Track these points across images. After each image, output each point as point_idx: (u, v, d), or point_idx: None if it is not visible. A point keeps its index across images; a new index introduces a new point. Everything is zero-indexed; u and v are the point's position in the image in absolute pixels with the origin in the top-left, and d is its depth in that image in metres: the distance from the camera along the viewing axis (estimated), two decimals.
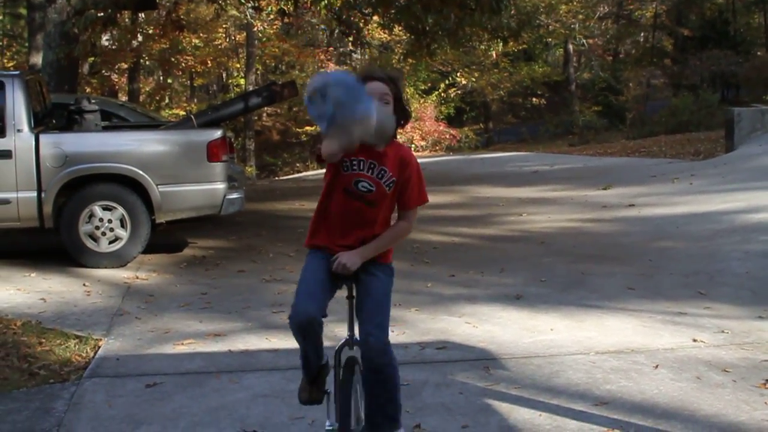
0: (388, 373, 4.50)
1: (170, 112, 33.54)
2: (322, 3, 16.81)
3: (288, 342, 6.99)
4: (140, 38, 30.45)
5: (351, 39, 21.77)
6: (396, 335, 7.22)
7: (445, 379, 6.17)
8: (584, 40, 40.72)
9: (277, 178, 32.76)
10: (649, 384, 6.00)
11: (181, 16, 21.99)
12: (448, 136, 34.73)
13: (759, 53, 42.37)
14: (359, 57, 40.04)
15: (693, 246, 10.88)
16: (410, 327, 7.57)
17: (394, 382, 4.54)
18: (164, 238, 11.56)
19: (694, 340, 7.05)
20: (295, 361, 6.43)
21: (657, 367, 6.37)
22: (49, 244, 11.05)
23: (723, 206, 13.00)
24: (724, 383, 6.01)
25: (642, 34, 48.37)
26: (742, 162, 17.34)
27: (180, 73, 36.96)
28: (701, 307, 8.13)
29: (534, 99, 43.13)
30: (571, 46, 41.68)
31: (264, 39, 35.47)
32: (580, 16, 38.42)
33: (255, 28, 33.13)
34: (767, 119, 20.51)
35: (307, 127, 36.93)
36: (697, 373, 6.23)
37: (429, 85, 37.20)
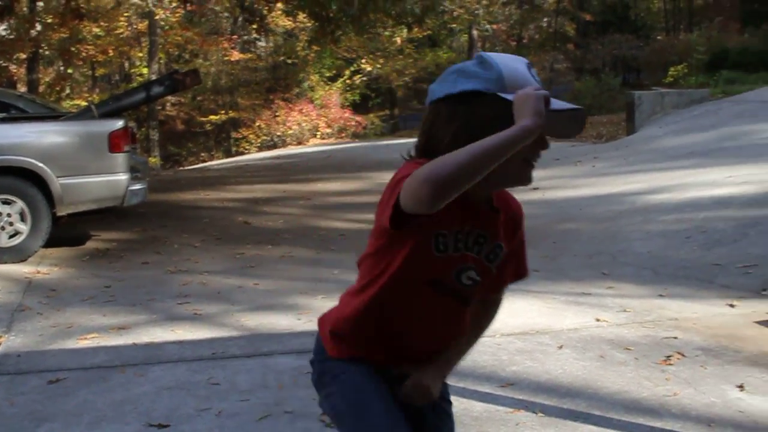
0: None
1: (71, 103, 32.98)
2: None
3: (194, 333, 6.96)
4: (39, 27, 29.80)
5: (255, 26, 21.62)
6: (302, 323, 7.24)
7: None
8: (488, 26, 40.98)
9: (181, 168, 32.46)
10: (553, 364, 6.06)
11: (81, 5, 21.67)
12: (353, 123, 34.77)
13: (659, 37, 43.15)
14: (264, 44, 39.81)
15: (596, 227, 11.06)
16: (316, 314, 7.39)
17: None
18: (66, 231, 11.38)
19: (597, 320, 7.15)
20: (201, 352, 6.41)
21: (561, 347, 6.44)
22: None
23: (625, 188, 13.22)
24: (627, 361, 6.10)
25: (545, 20, 48.89)
26: (642, 144, 17.66)
27: (81, 62, 36.31)
28: (604, 287, 8.26)
29: None
30: (475, 32, 41.91)
31: (167, 27, 35.05)
32: (484, 2, 38.68)
33: (157, 17, 32.71)
34: (666, 102, 20.92)
35: (212, 116, 36.69)
36: (601, 351, 6.32)
37: (334, 72, 37.19)
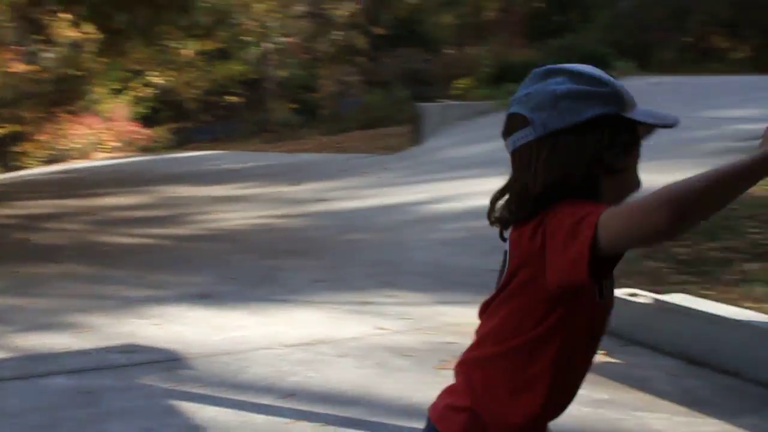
0: None
1: None
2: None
3: None
4: None
5: (39, 37, 20.89)
6: (79, 342, 7.02)
7: (129, 383, 5.99)
8: (281, 39, 41.01)
9: None
10: (334, 373, 6.07)
11: None
12: (142, 136, 34.13)
13: (448, 51, 44.12)
14: (49, 56, 38.57)
15: (380, 237, 11.18)
16: (95, 332, 7.34)
17: None
18: None
19: (378, 328, 7.21)
20: None
21: (341, 356, 6.47)
22: None
23: (409, 198, 13.43)
24: (405, 367, 6.18)
25: (337, 33, 49.28)
26: (428, 155, 18.01)
27: None
28: (386, 295, 8.35)
29: (230, 97, 42.96)
30: (267, 45, 41.87)
31: None
32: (277, 15, 38.66)
33: None
34: (452, 114, 21.42)
35: None
36: (380, 359, 6.38)
37: (123, 84, 36.39)
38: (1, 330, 7.49)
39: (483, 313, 2.39)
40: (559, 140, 2.13)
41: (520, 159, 2.26)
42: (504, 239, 2.34)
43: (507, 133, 2.33)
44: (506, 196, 2.30)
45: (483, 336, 2.35)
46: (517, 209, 2.20)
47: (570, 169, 2.11)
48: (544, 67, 2.26)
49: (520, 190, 2.20)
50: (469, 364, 2.44)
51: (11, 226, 14.08)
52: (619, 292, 6.99)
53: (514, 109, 2.28)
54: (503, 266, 2.32)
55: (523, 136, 2.24)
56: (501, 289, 2.32)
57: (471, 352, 2.41)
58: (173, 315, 7.85)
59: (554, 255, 2.01)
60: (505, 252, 2.29)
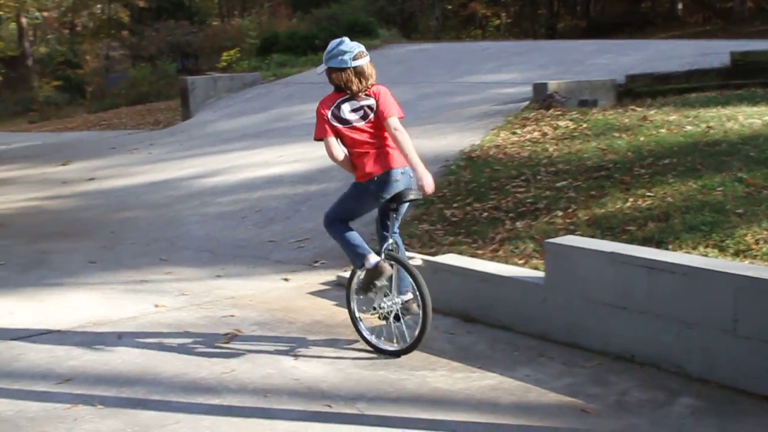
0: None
1: None
2: None
3: None
4: None
5: None
6: None
7: None
8: (38, 14, 39.61)
9: None
10: (112, 355, 5.99)
11: None
12: None
13: (214, 23, 43.73)
14: None
15: (153, 214, 11.05)
16: None
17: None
18: None
19: (156, 306, 7.17)
20: None
21: (120, 337, 6.39)
22: None
23: (181, 173, 13.31)
24: (185, 344, 6.16)
25: (98, 6, 47.94)
26: (197, 129, 17.85)
27: None
28: (163, 272, 8.29)
29: None
30: (24, 20, 40.35)
31: None
32: None
33: None
34: (220, 86, 21.25)
35: None
36: (159, 337, 6.33)
37: None
38: None
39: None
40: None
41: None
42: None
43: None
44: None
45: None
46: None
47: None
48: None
49: None
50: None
51: None
52: None
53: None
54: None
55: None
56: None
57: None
58: None
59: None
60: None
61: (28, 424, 4.87)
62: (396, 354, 5.77)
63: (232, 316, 6.78)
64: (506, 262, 7.03)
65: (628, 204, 7.99)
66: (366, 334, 5.99)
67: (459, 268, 6.61)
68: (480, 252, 7.57)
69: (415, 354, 5.73)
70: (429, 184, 5.61)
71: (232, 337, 6.26)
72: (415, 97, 16.05)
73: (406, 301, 5.84)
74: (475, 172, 9.95)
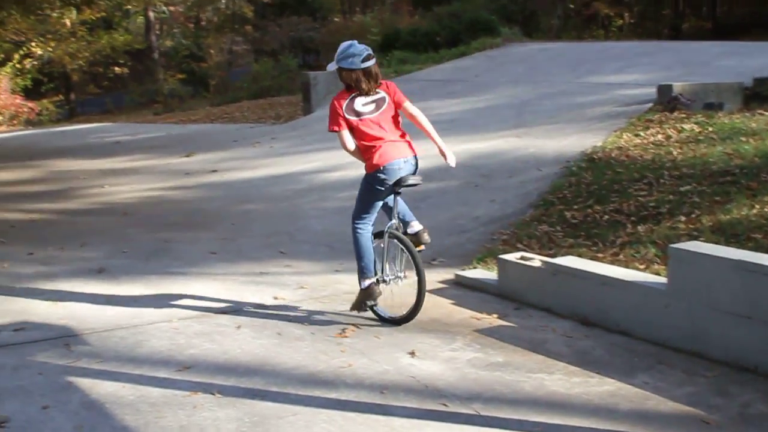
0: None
1: None
2: None
3: None
4: None
5: None
6: None
7: (23, 361, 5.90)
8: (165, 8, 40.46)
9: None
10: (231, 344, 6.07)
11: None
12: (26, 110, 33.31)
13: (336, 19, 44.05)
14: None
15: (274, 207, 11.17)
16: None
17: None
18: None
19: (275, 298, 7.25)
20: None
21: (239, 327, 6.47)
22: None
23: (302, 167, 13.42)
24: (304, 336, 6.21)
25: (223, 1, 48.72)
26: (319, 123, 17.93)
27: None
28: (282, 265, 8.38)
29: (117, 68, 42.22)
30: (152, 14, 41.23)
31: None
32: None
33: None
34: (339, 82, 21.29)
35: None
36: (278, 329, 6.40)
37: (2, 56, 35.45)
38: None
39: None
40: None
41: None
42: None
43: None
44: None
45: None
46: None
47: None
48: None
49: None
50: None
51: None
52: (512, 256, 7.13)
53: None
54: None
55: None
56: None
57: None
58: (66, 290, 7.73)
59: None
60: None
61: (149, 409, 4.97)
62: (397, 322, 6.49)
63: (350, 311, 6.80)
64: (626, 267, 6.91)
65: (755, 211, 7.80)
66: (375, 308, 6.67)
67: (579, 270, 6.52)
68: (600, 255, 7.47)
69: (532, 356, 5.68)
70: (452, 157, 6.79)
71: (349, 332, 6.29)
72: (536, 97, 15.92)
73: (419, 232, 6.89)
74: (597, 174, 9.82)
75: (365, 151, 6.51)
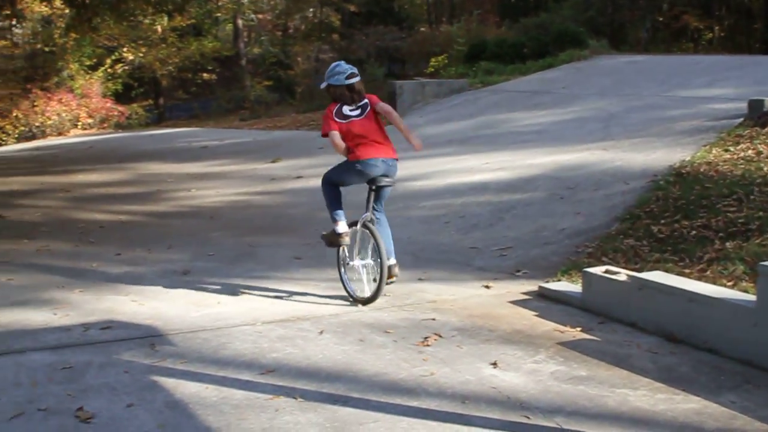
0: None
1: None
2: None
3: None
4: None
5: (7, 12, 20.71)
6: (58, 318, 7.03)
7: (109, 359, 5.99)
8: (253, 16, 40.88)
9: None
10: (314, 349, 6.09)
11: None
12: (116, 113, 33.90)
13: (422, 29, 44.07)
14: (20, 31, 38.25)
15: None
16: (74, 308, 7.33)
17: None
18: None
19: (358, 305, 7.25)
20: None
21: (322, 332, 6.49)
22: None
23: None
24: (386, 344, 6.21)
25: (310, 10, 49.06)
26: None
27: None
28: None
29: (205, 74, 42.76)
30: (240, 21, 41.69)
31: None
32: None
33: None
34: (427, 91, 21.38)
35: None
36: (361, 336, 6.41)
37: (95, 60, 36.12)
38: None
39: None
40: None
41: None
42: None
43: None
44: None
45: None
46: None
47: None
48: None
49: None
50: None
51: None
52: (597, 270, 7.06)
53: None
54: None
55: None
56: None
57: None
58: (152, 291, 7.86)
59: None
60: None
61: (232, 411, 5.01)
62: (362, 302, 7.34)
63: (432, 319, 6.79)
64: (714, 283, 6.79)
65: None
66: (347, 285, 7.60)
67: (665, 286, 6.42)
68: (687, 271, 7.35)
69: (616, 371, 5.61)
70: (417, 140, 7.88)
71: (432, 341, 6.27)
72: (623, 110, 15.76)
73: (391, 266, 7.46)
74: (685, 189, 9.67)
75: (351, 148, 7.45)
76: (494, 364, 5.74)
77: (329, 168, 7.94)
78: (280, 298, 7.56)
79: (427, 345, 6.18)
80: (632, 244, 8.39)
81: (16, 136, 33.41)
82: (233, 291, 7.82)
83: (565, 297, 7.34)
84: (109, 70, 35.97)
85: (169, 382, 5.51)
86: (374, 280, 7.40)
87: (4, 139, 33.61)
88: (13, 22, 33.00)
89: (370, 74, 32.89)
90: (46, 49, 35.94)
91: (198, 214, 11.94)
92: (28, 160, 22.14)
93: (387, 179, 7.66)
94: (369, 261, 7.59)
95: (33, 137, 32.53)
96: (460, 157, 13.96)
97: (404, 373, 5.59)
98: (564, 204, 10.34)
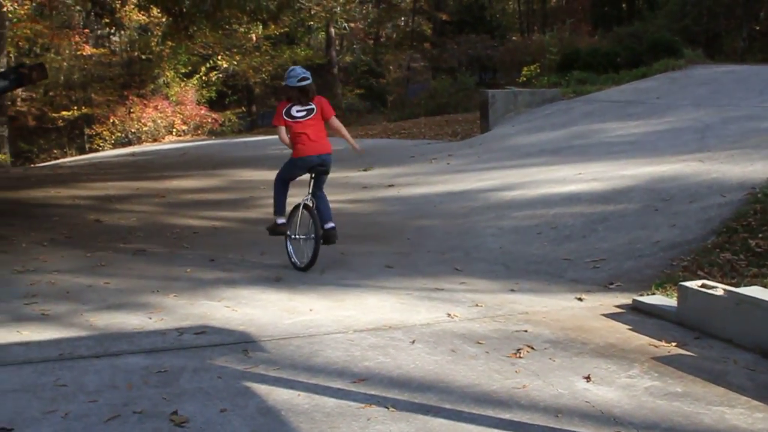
0: None
1: None
2: None
3: (41, 334, 6.75)
4: None
5: (107, 21, 21.11)
6: (153, 322, 7.12)
7: (203, 363, 6.06)
8: (346, 24, 41.06)
9: (32, 165, 31.57)
10: (405, 359, 6.09)
11: None
12: (210, 120, 34.39)
13: (514, 38, 43.92)
14: (118, 39, 39.03)
15: (450, 223, 11.18)
16: (168, 313, 7.42)
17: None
18: None
19: (450, 315, 7.23)
20: (48, 353, 6.23)
21: (414, 342, 6.48)
22: None
23: (478, 184, 13.41)
24: (478, 355, 6.18)
25: (402, 19, 49.25)
26: (496, 142, 17.93)
27: None
28: (457, 282, 8.36)
29: None
30: (332, 30, 41.96)
31: (15, 20, 34.00)
32: (341, 0, 38.70)
33: (5, 8, 31.70)
34: (519, 101, 21.29)
35: (64, 112, 35.74)
36: (452, 346, 6.38)
37: (190, 68, 36.70)
38: (76, 309, 7.60)
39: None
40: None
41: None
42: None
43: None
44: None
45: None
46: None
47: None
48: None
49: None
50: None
51: (83, 208, 14.28)
52: (693, 284, 6.94)
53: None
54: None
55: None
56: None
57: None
58: (245, 297, 7.93)
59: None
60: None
61: (324, 419, 5.02)
62: (303, 268, 9.14)
63: (525, 331, 6.74)
64: None
65: None
66: (291, 255, 9.41)
67: (764, 301, 6.27)
68: None
69: (713, 388, 5.50)
70: (359, 146, 9.87)
71: (524, 353, 6.23)
72: (719, 121, 15.49)
73: (329, 229, 9.26)
74: None
75: (293, 143, 9.26)
76: (587, 378, 5.67)
77: (280, 169, 9.60)
78: (372, 306, 7.57)
79: (520, 357, 6.14)
80: (729, 258, 8.23)
81: (113, 141, 34.11)
82: (325, 298, 7.85)
83: (660, 311, 7.23)
84: (203, 77, 36.53)
85: (261, 389, 5.54)
86: (310, 252, 9.12)
87: (101, 144, 34.33)
88: (112, 31, 33.67)
89: (461, 83, 32.87)
90: (143, 57, 36.65)
91: None
92: (124, 166, 22.55)
93: (322, 168, 9.32)
94: (308, 237, 9.30)
95: (129, 143, 33.17)
96: (553, 167, 13.86)
97: (496, 384, 5.56)
98: (658, 216, 10.18)
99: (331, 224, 9.29)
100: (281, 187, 9.56)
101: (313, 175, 9.35)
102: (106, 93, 36.12)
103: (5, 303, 7.88)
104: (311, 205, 9.32)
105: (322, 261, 9.40)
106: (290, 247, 9.46)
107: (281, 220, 9.50)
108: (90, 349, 6.39)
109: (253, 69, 37.91)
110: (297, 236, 9.43)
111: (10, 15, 32.99)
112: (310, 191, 9.41)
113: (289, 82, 9.24)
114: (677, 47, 26.87)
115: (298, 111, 9.21)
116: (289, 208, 9.55)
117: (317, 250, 9.04)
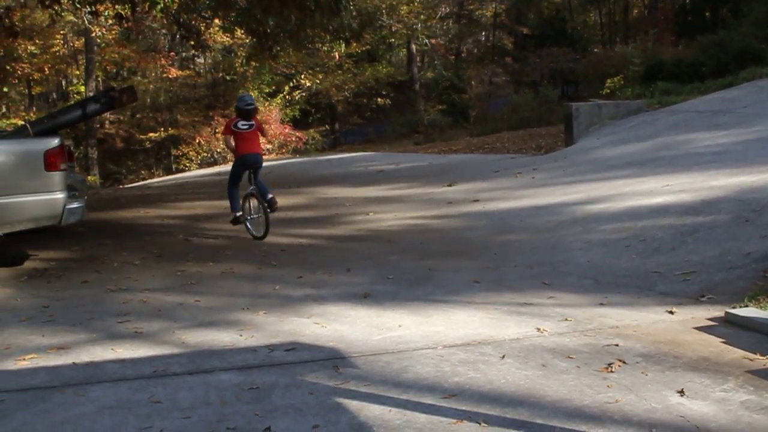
0: None
1: (8, 122, 32.48)
2: (158, 6, 16.53)
3: (135, 351, 6.87)
4: None
5: (192, 43, 21.44)
6: (244, 339, 7.20)
7: (294, 380, 6.11)
8: (427, 40, 41.24)
9: (121, 186, 32.14)
10: (496, 374, 6.07)
11: (15, 23, 21.34)
12: (294, 139, 34.69)
13: (596, 50, 43.59)
14: (202, 61, 39.61)
15: (536, 238, 11.12)
16: (258, 330, 7.50)
17: None
18: (3, 251, 11.16)
19: (539, 329, 7.19)
20: (142, 370, 6.34)
21: (504, 357, 6.46)
22: None
23: (564, 198, 13.32)
24: (568, 369, 6.14)
25: (483, 33, 49.23)
26: (581, 155, 17.80)
27: (16, 81, 35.81)
28: (545, 296, 8.31)
29: (379, 99, 43.35)
30: (414, 46, 42.13)
31: (103, 45, 34.74)
32: (422, 17, 38.83)
33: (93, 34, 32.41)
34: (604, 113, 21.12)
35: (151, 134, 36.34)
36: (543, 361, 6.35)
37: (273, 87, 37.08)
38: (168, 326, 7.72)
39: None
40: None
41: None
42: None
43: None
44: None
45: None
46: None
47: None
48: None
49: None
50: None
51: (172, 227, 14.50)
52: None
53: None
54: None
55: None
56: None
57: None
58: (333, 314, 7.98)
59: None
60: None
61: None
62: (261, 237, 12.45)
63: (615, 345, 6.67)
64: None
65: None
66: (250, 230, 12.76)
67: None
68: None
69: None
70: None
71: (615, 367, 6.17)
72: None
73: (270, 198, 12.42)
74: None
75: (236, 147, 12.41)
76: (681, 392, 5.60)
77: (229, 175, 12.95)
78: (461, 321, 7.56)
79: (611, 371, 6.08)
80: None
81: (199, 161, 34.59)
82: (413, 314, 7.86)
83: (754, 323, 7.10)
84: (287, 96, 36.87)
85: (353, 405, 5.57)
86: (264, 224, 12.38)
87: (187, 165, 34.83)
88: (197, 53, 34.16)
89: (543, 96, 32.72)
90: (227, 77, 37.13)
91: (376, 237, 12.08)
92: (210, 185, 22.83)
93: (257, 164, 12.58)
94: (260, 215, 12.60)
95: (214, 163, 33.61)
96: (639, 179, 13.70)
97: (588, 399, 5.52)
98: (750, 227, 10.01)
99: (270, 195, 12.40)
100: (233, 190, 12.82)
101: (251, 171, 12.56)
102: (192, 114, 36.68)
103: (100, 321, 8.04)
104: (255, 192, 12.54)
105: (410, 277, 9.43)
106: (249, 226, 12.79)
107: (239, 213, 12.75)
108: (183, 366, 6.49)
109: (335, 87, 38.19)
110: (251, 216, 12.80)
111: (98, 40, 33.72)
112: (252, 183, 12.60)
113: (239, 104, 12.69)
114: (764, 55, 26.41)
115: (243, 125, 12.47)
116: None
117: (268, 219, 12.37)
